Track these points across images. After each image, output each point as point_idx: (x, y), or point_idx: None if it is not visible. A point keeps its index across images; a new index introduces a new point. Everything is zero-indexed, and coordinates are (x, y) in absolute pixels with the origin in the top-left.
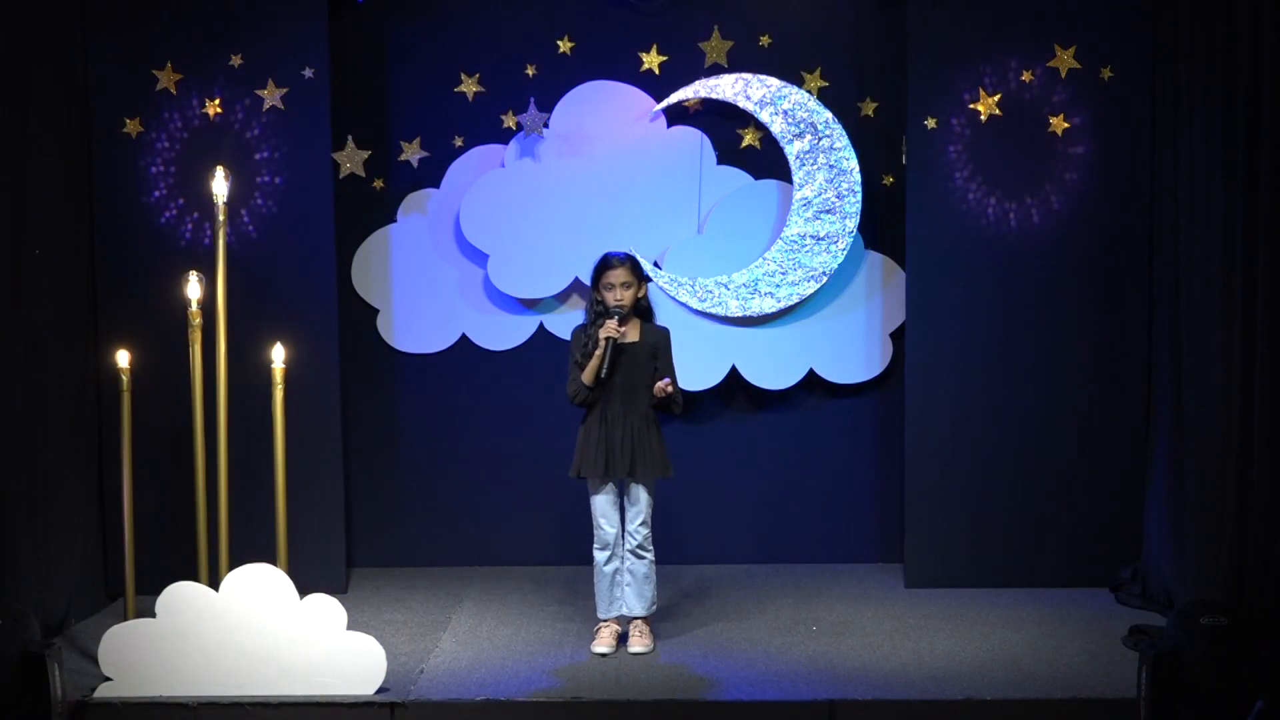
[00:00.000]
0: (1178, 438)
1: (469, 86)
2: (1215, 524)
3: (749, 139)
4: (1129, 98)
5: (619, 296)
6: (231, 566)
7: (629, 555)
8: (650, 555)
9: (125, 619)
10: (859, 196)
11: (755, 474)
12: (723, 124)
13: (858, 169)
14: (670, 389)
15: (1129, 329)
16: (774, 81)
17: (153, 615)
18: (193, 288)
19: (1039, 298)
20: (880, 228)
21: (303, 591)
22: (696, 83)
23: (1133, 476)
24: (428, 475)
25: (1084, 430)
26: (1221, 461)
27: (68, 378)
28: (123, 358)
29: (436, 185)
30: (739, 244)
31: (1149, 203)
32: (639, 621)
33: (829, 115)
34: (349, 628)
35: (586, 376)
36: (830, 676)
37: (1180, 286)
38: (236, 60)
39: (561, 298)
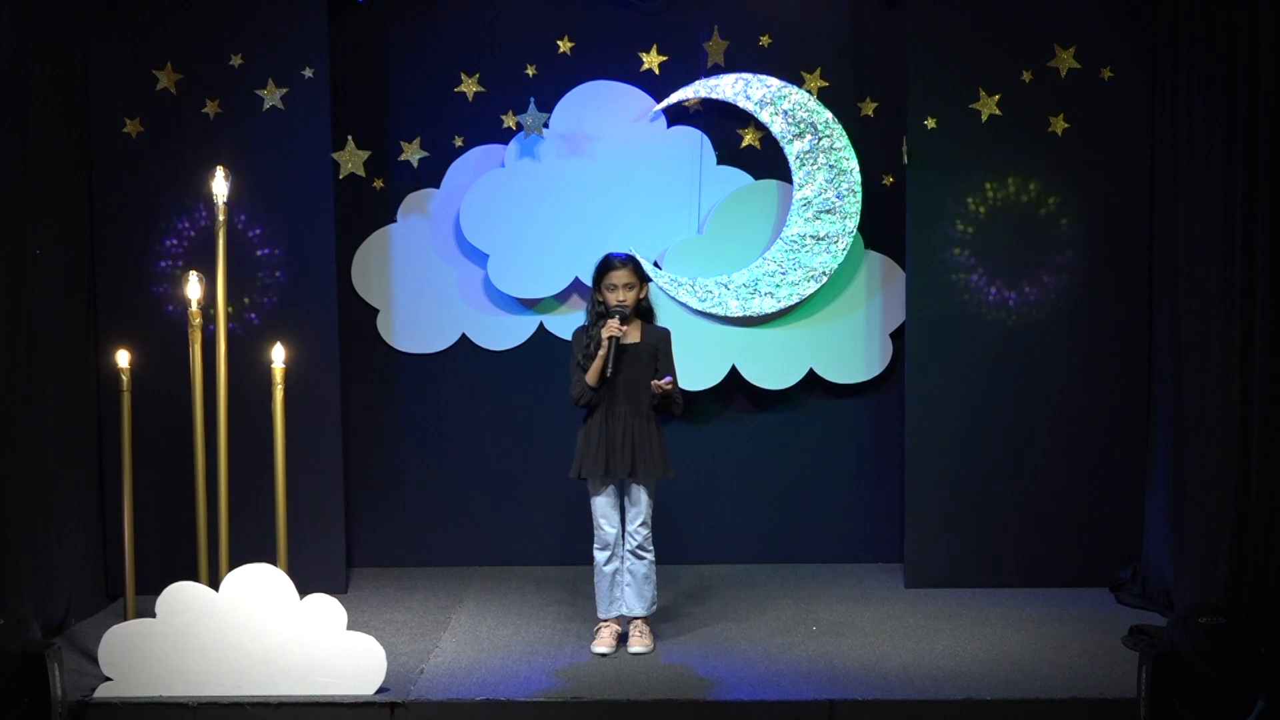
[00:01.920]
0: (1178, 438)
1: (469, 86)
2: (1215, 524)
3: (749, 139)
4: (1129, 98)
5: (621, 297)
6: (231, 566)
7: (629, 555)
8: (650, 555)
9: (125, 619)
10: (859, 196)
11: (755, 474)
12: (723, 124)
13: (858, 169)
14: (670, 386)
15: (1129, 328)
16: (774, 81)
17: (153, 615)
18: (193, 288)
19: (1038, 299)
20: (880, 228)
21: (303, 591)
22: (696, 83)
23: (1133, 476)
24: (428, 475)
25: (1084, 430)
26: (1221, 462)
27: (68, 378)
28: (123, 358)
29: (436, 185)
30: (739, 244)
31: (1149, 202)
32: (639, 621)
33: (829, 115)
34: (349, 628)
35: (591, 377)
36: (830, 676)
37: (1180, 286)
38: (236, 60)
39: (561, 298)
